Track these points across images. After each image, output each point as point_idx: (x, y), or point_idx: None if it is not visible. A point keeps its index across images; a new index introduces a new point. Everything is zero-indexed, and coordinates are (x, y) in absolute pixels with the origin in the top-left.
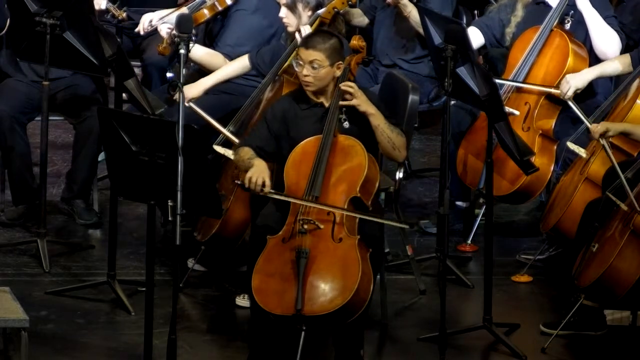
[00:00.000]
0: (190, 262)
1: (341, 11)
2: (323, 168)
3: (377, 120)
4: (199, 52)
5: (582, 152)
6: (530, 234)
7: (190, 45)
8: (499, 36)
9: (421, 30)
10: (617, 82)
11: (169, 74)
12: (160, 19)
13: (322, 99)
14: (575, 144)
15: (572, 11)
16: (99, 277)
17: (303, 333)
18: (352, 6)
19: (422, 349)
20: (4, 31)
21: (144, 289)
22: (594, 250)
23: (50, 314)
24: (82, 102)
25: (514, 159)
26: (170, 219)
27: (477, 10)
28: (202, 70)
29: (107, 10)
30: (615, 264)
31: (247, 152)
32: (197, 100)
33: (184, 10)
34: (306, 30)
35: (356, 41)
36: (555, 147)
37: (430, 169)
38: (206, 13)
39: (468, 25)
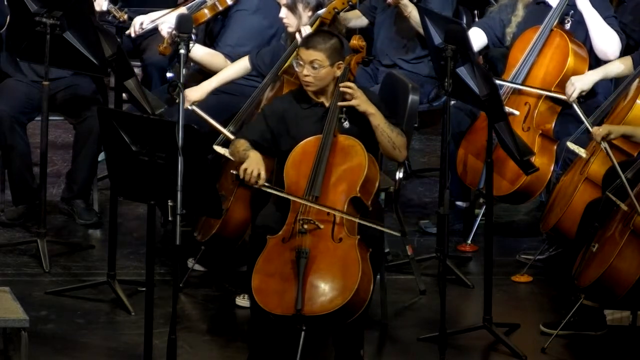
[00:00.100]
0: (190, 262)
1: (341, 12)
2: (323, 168)
3: (377, 120)
4: (200, 52)
5: (582, 152)
6: (530, 234)
7: (191, 45)
8: (500, 36)
9: (421, 31)
10: (617, 82)
11: (169, 74)
12: (152, 21)
13: (322, 99)
14: (575, 144)
15: (572, 11)
16: (99, 277)
17: (303, 333)
18: (352, 7)
19: (422, 349)
20: (4, 29)
21: (144, 289)
22: (594, 250)
23: (50, 314)
24: (82, 102)
25: (514, 159)
26: (170, 219)
27: (477, 11)
28: (202, 70)
29: (108, 12)
30: (615, 264)
31: (242, 143)
32: (199, 102)
33: (177, 11)
34: (306, 30)
35: (356, 41)
36: (555, 147)
37: (430, 169)
38: (207, 13)
39: (468, 25)
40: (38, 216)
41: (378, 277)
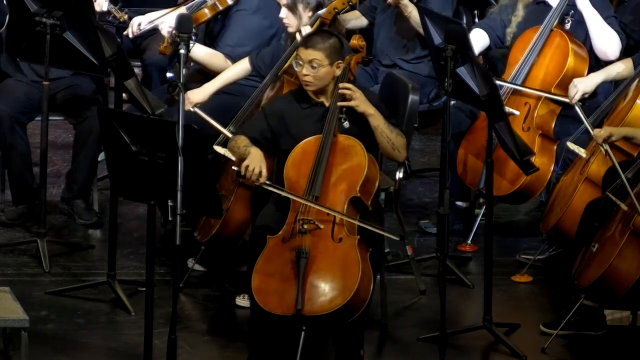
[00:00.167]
0: (190, 262)
1: (341, 13)
2: (323, 168)
3: (377, 121)
4: (200, 52)
5: (582, 152)
6: (530, 234)
7: (191, 45)
8: (501, 36)
9: (421, 31)
10: (617, 82)
11: (169, 74)
12: (150, 22)
13: (322, 99)
14: (575, 144)
15: (572, 11)
16: (99, 277)
17: (303, 333)
18: (352, 7)
19: (422, 349)
20: (3, 28)
21: (144, 289)
22: (594, 250)
23: (50, 314)
24: (82, 102)
25: (514, 159)
26: (170, 219)
27: (477, 11)
28: (202, 70)
29: (108, 12)
30: (615, 264)
31: (243, 140)
32: (201, 104)
33: (176, 12)
34: (307, 31)
35: (356, 40)
36: (555, 147)
37: (430, 169)
38: (207, 12)
39: (468, 25)
40: (38, 216)
41: (378, 277)
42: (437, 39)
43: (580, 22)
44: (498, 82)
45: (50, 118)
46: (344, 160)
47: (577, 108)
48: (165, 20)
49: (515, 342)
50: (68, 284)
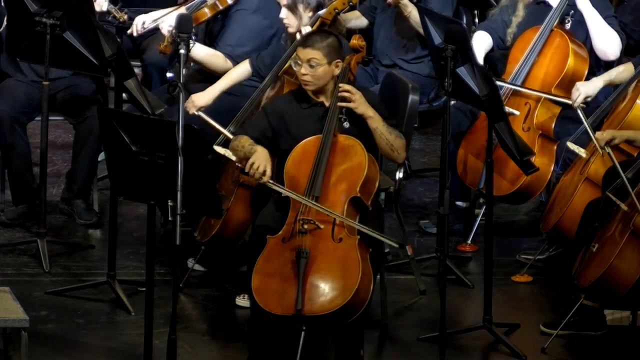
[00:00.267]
0: (190, 262)
1: (341, 13)
2: (323, 168)
3: (375, 123)
4: (200, 52)
5: (582, 152)
6: (530, 234)
7: (191, 44)
8: (503, 37)
9: (421, 31)
10: None
11: (169, 74)
12: (154, 20)
13: (322, 99)
14: (575, 144)
15: (572, 11)
16: (99, 277)
17: (303, 333)
18: (352, 7)
19: (422, 349)
20: (2, 28)
21: (144, 289)
22: (594, 250)
23: (50, 314)
24: (82, 102)
25: (514, 159)
26: (170, 219)
27: (477, 11)
28: (202, 70)
29: (108, 12)
30: (615, 264)
31: (246, 139)
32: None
33: (179, 11)
34: (307, 31)
35: (356, 40)
36: (555, 147)
37: (430, 169)
38: (207, 12)
39: (468, 25)
40: (38, 216)
41: (378, 277)
42: (437, 39)
43: (580, 22)
44: (498, 83)
45: (50, 118)
46: (344, 160)
47: (579, 111)
48: (166, 20)
49: (515, 342)
50: (68, 284)
